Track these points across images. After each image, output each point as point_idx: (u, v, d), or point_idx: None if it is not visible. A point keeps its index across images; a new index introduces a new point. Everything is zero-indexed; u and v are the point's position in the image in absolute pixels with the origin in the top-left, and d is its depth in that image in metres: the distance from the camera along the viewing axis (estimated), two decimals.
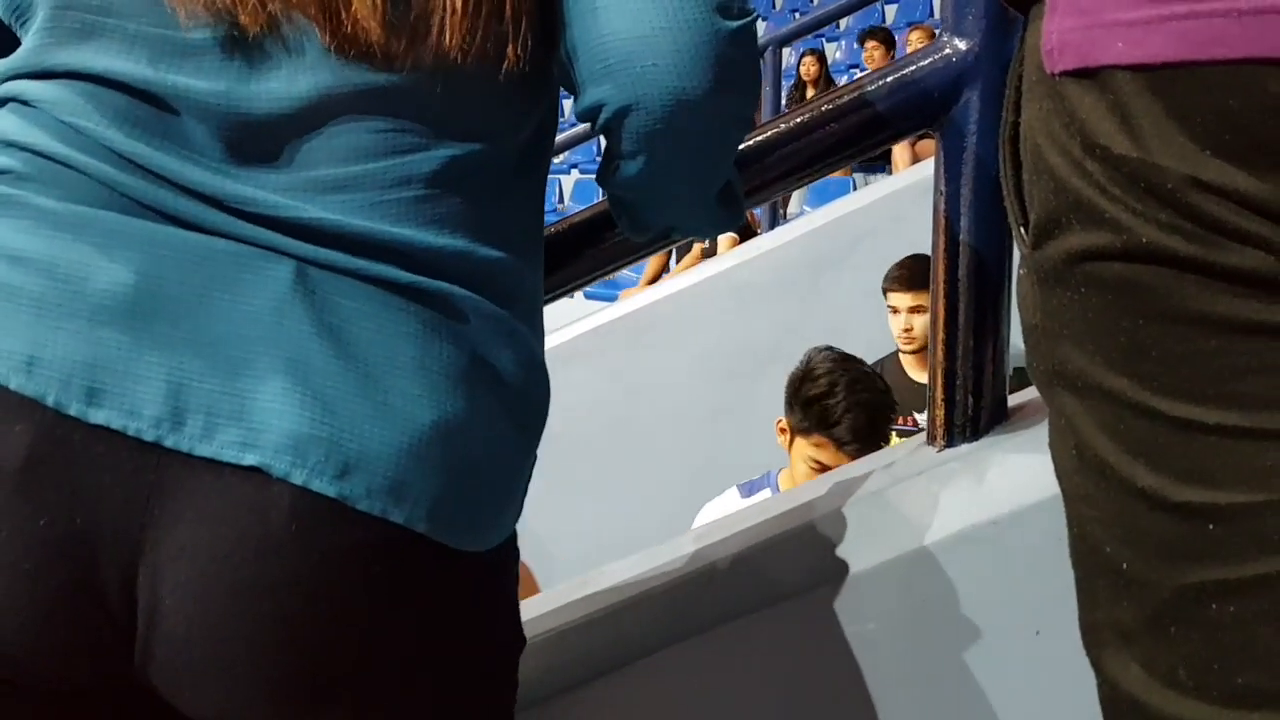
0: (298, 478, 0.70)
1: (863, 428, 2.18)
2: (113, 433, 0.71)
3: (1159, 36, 0.57)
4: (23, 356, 0.71)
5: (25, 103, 0.78)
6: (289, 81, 0.75)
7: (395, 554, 0.73)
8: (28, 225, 0.74)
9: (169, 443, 0.70)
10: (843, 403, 2.17)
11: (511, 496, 0.80)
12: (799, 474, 2.27)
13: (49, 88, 0.77)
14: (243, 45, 0.75)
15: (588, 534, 2.49)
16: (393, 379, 0.73)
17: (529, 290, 0.83)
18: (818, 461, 2.22)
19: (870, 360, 2.73)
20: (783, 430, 2.29)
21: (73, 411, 0.70)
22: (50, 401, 0.70)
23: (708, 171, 0.83)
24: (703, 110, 0.76)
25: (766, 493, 2.34)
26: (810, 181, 1.19)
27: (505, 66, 0.76)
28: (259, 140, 0.76)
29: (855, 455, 2.16)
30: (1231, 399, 0.57)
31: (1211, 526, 0.58)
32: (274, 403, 0.71)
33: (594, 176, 0.90)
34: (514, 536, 0.83)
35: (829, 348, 2.31)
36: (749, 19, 0.77)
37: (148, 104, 0.76)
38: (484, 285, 0.78)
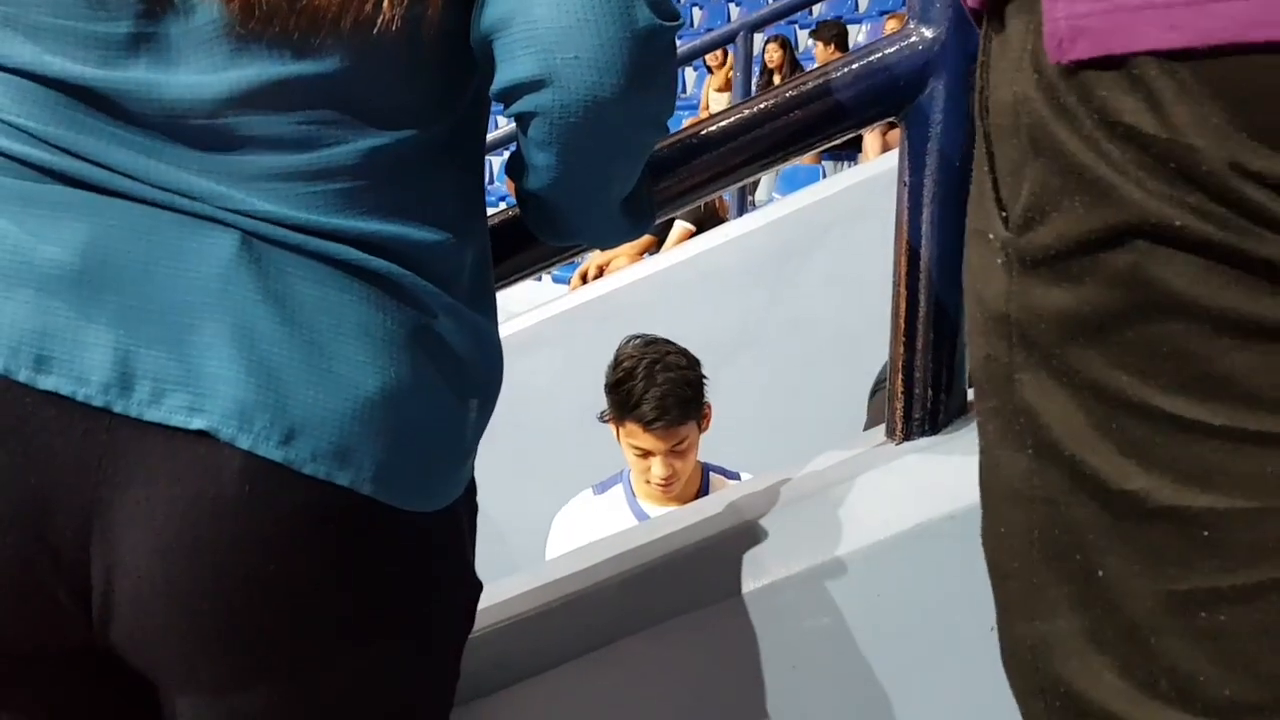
0: (244, 442, 0.71)
1: (666, 404, 2.13)
2: (62, 398, 0.71)
3: (1200, 20, 0.52)
4: None
5: None
6: (198, 73, 0.75)
7: (344, 515, 0.74)
8: None
9: (118, 408, 0.71)
10: (641, 384, 2.15)
11: (457, 461, 0.81)
12: (630, 463, 2.24)
13: None
14: (147, 38, 0.75)
15: (547, 521, 2.47)
16: (337, 346, 0.74)
17: (471, 266, 0.83)
18: (638, 448, 2.19)
19: (842, 342, 2.69)
20: (612, 423, 2.27)
21: (21, 378, 0.71)
22: None
23: (617, 170, 0.83)
24: (619, 107, 0.75)
25: (619, 489, 2.33)
26: (772, 168, 1.17)
27: (380, 23, 0.74)
28: (180, 129, 0.75)
29: (665, 433, 2.14)
30: (1240, 400, 0.54)
31: (1207, 533, 0.55)
32: (220, 369, 0.72)
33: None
34: (472, 493, 0.84)
35: (638, 335, 2.28)
36: (674, 23, 0.76)
37: (62, 93, 0.75)
38: (422, 266, 0.79)
